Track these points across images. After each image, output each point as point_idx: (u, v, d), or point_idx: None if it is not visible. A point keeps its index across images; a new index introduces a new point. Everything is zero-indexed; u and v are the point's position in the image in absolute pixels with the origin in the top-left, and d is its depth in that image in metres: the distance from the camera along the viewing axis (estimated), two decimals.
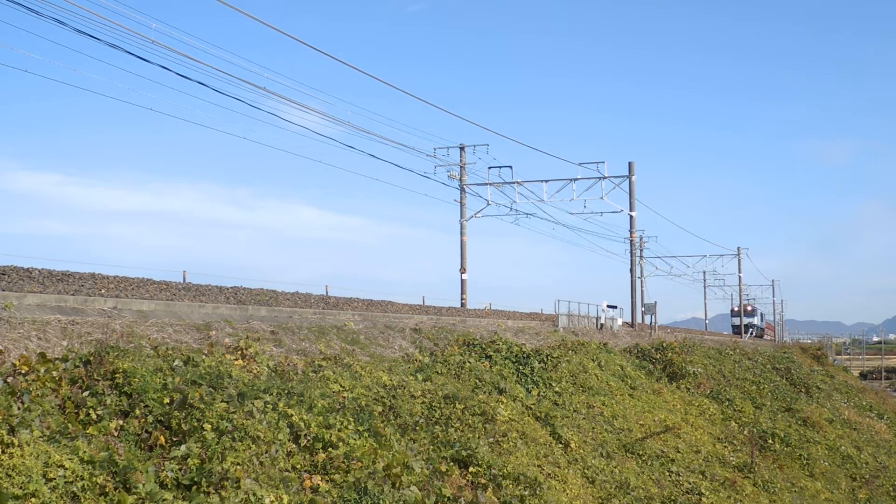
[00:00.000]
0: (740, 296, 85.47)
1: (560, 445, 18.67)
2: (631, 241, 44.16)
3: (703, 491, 20.85)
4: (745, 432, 29.18)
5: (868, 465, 33.55)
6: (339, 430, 12.53)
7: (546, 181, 41.62)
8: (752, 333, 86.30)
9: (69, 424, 9.44)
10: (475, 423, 16.45)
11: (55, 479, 8.34)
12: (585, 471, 18.30)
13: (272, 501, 10.02)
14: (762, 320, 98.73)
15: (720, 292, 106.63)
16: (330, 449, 11.97)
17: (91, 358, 10.95)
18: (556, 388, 22.41)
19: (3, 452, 8.21)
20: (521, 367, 22.22)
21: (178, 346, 12.96)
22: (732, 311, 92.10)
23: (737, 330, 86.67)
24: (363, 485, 11.51)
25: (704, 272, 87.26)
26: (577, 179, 41.15)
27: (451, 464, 14.23)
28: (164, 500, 9.01)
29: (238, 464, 10.25)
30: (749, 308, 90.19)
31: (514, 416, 18.08)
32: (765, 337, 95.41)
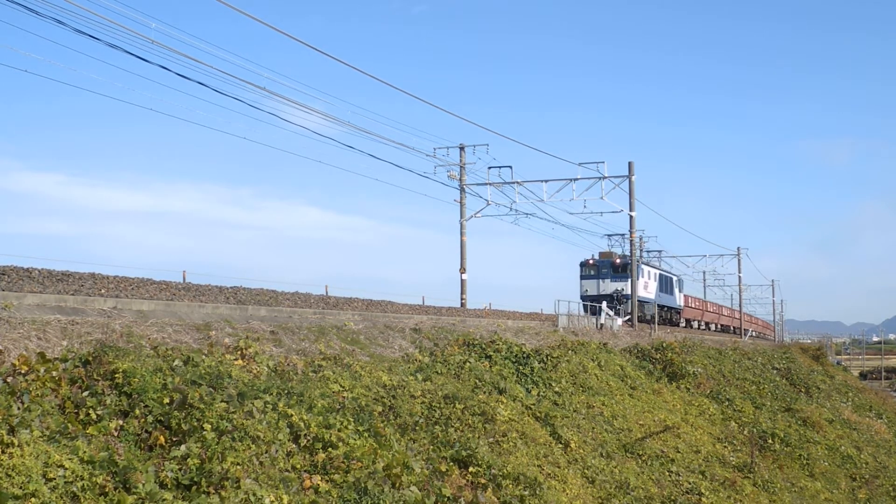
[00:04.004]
0: (740, 297, 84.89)
1: (560, 445, 18.67)
2: (631, 241, 44.17)
3: (703, 491, 20.84)
4: (745, 432, 29.18)
5: (868, 465, 33.55)
6: (339, 430, 12.52)
7: (546, 181, 41.63)
8: (627, 317, 43.94)
9: (69, 424, 9.44)
10: (475, 423, 16.44)
11: (55, 479, 8.33)
12: (585, 471, 18.29)
13: (272, 501, 10.02)
14: (668, 289, 55.74)
15: (720, 292, 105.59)
16: (330, 449, 11.96)
17: (91, 358, 10.95)
18: (556, 388, 22.40)
19: (3, 452, 8.21)
20: (521, 367, 22.21)
21: (177, 346, 12.96)
22: (584, 265, 49.37)
23: (593, 302, 43.02)
24: (363, 485, 11.50)
25: (704, 272, 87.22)
26: (577, 179, 41.17)
27: (451, 464, 14.22)
28: (164, 500, 9.00)
29: (238, 464, 10.25)
30: (617, 260, 48.21)
31: (514, 416, 18.07)
32: (679, 323, 57.79)
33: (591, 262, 49.24)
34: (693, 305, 65.30)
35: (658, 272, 54.66)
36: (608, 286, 48.15)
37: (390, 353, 18.58)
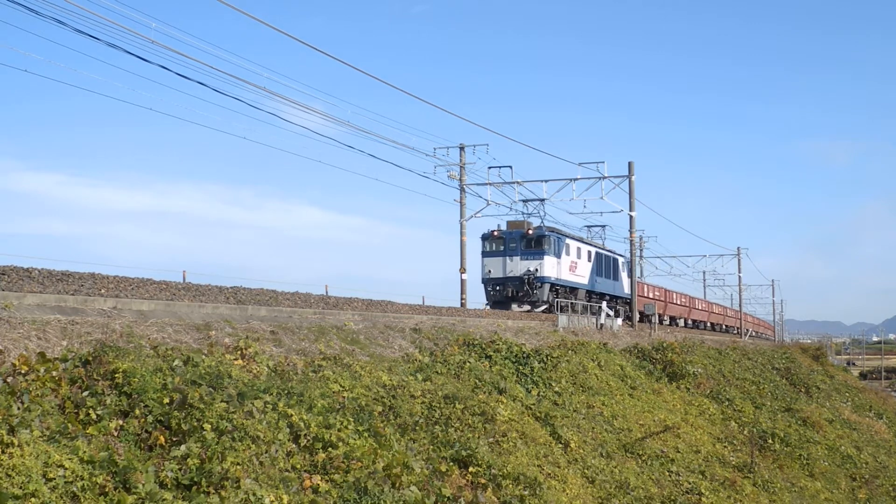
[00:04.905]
0: (740, 297, 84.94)
1: (560, 445, 18.67)
2: (631, 241, 44.17)
3: (703, 491, 20.84)
4: (745, 432, 29.19)
5: (868, 465, 33.57)
6: (339, 430, 12.52)
7: (546, 181, 41.65)
8: (543, 308, 35.95)
9: (69, 424, 9.44)
10: (475, 423, 16.44)
11: (55, 479, 8.33)
12: (585, 471, 18.29)
13: (272, 501, 10.02)
14: (610, 272, 45.00)
15: (720, 292, 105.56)
16: (330, 449, 11.96)
17: (91, 358, 10.95)
18: (556, 388, 22.40)
19: (3, 452, 8.20)
20: (520, 367, 22.21)
21: (177, 346, 12.95)
22: (487, 238, 37.81)
23: (498, 286, 36.74)
24: (363, 485, 11.50)
25: (704, 272, 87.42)
26: (577, 179, 41.21)
27: (451, 464, 14.22)
28: (164, 500, 9.00)
29: (238, 464, 10.24)
30: (530, 231, 37.10)
31: (513, 416, 18.07)
32: (634, 320, 43.73)
33: (495, 233, 37.61)
34: (651, 295, 53.51)
35: (594, 250, 43.12)
36: (517, 265, 36.64)
37: (390, 353, 18.57)
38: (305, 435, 11.96)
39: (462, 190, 40.87)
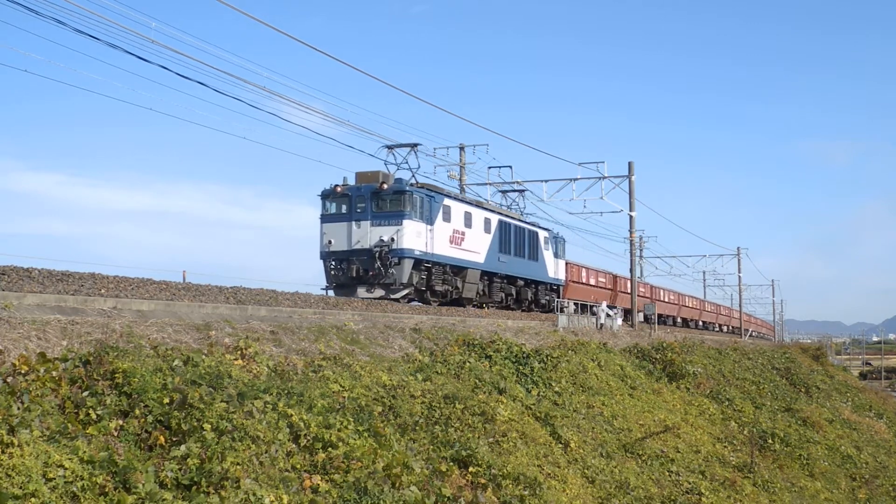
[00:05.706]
0: (740, 296, 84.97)
1: (560, 445, 18.67)
2: (631, 241, 44.19)
3: (702, 491, 20.85)
4: (745, 432, 29.20)
5: (868, 465, 33.58)
6: (339, 430, 12.52)
7: (546, 181, 41.69)
8: (403, 294, 26.27)
9: (69, 424, 9.44)
10: (475, 423, 16.44)
11: (55, 479, 8.33)
12: (585, 471, 18.29)
13: (272, 501, 10.02)
14: (527, 248, 35.11)
15: (720, 292, 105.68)
16: (330, 449, 11.96)
17: (91, 358, 10.94)
18: (556, 388, 22.40)
19: (2, 452, 8.20)
20: (520, 367, 22.21)
21: (177, 346, 12.95)
22: (329, 195, 27.05)
23: (341, 262, 26.20)
24: (363, 485, 11.50)
25: (704, 272, 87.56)
26: (577, 179, 41.31)
27: (451, 464, 14.22)
28: (164, 500, 9.00)
29: (238, 464, 10.24)
30: (385, 185, 26.33)
31: (513, 416, 18.07)
32: (566, 309, 37.20)
33: (339, 189, 27.10)
34: (593, 283, 44.04)
35: (498, 218, 32.44)
36: (367, 234, 26.37)
37: (390, 353, 18.57)
38: (305, 435, 11.96)
39: (462, 190, 40.88)
